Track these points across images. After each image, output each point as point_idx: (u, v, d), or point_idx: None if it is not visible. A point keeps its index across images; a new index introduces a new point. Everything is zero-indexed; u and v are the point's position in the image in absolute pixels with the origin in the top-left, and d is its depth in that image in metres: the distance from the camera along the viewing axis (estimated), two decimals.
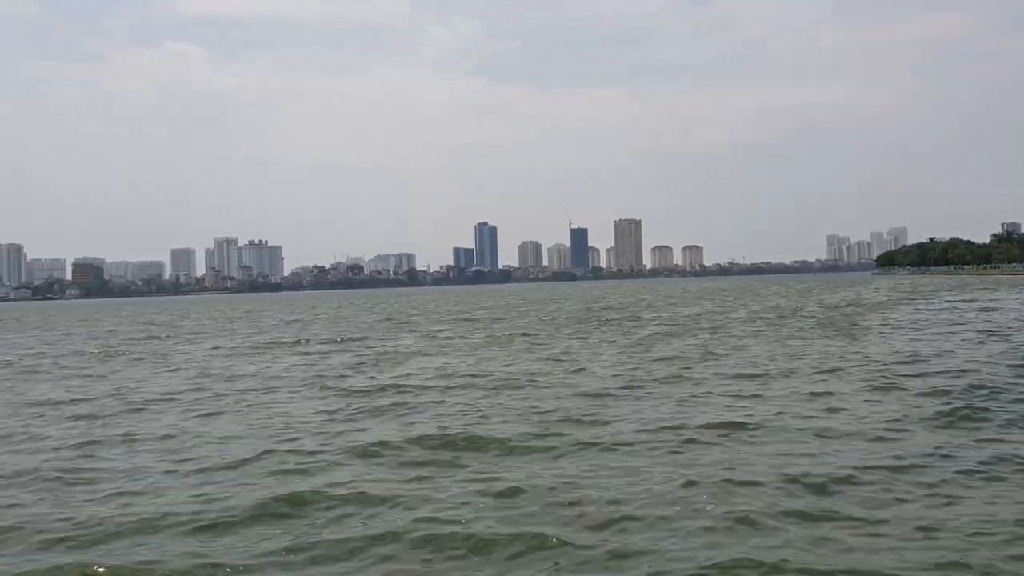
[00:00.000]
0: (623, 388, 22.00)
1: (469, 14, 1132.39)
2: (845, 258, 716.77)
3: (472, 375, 26.31)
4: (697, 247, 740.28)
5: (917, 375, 22.63)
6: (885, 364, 25.38)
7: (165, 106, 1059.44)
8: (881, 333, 37.82)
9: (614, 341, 38.50)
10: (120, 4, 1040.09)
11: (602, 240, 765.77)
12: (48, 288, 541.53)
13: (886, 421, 16.20)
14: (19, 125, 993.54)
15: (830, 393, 19.90)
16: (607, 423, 16.97)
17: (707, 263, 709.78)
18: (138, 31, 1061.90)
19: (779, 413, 17.34)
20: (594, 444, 14.84)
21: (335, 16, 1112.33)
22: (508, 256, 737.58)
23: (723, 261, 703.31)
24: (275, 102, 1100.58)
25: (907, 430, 15.36)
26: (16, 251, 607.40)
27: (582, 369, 27.12)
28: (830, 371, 24.14)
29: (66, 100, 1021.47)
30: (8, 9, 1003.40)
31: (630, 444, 14.77)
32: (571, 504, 11.26)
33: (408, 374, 27.44)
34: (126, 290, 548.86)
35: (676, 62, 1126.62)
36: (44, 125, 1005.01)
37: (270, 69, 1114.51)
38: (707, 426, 16.08)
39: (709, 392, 20.81)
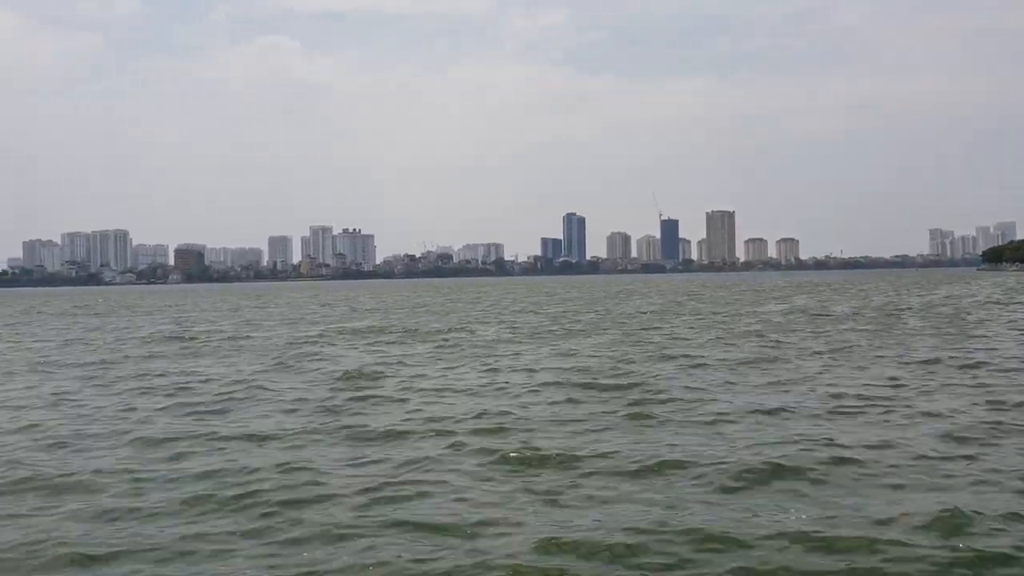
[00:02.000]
0: None
1: (555, 5, 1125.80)
2: (948, 253, 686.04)
3: None
4: (793, 240, 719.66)
5: None
6: None
7: (262, 98, 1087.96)
8: None
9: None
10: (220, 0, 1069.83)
11: (694, 232, 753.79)
12: (152, 273, 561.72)
13: None
14: (124, 117, 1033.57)
15: None
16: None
17: (803, 256, 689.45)
18: (237, 25, 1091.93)
19: None
20: None
21: (421, 9, 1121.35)
22: (596, 247, 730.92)
23: (819, 255, 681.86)
24: (367, 95, 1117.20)
25: None
26: (122, 236, 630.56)
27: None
28: None
29: (167, 94, 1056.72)
30: (114, 7, 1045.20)
31: None
32: None
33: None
34: (225, 276, 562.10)
35: (768, 51, 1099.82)
36: (147, 117, 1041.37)
37: (360, 63, 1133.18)
38: None
39: None
